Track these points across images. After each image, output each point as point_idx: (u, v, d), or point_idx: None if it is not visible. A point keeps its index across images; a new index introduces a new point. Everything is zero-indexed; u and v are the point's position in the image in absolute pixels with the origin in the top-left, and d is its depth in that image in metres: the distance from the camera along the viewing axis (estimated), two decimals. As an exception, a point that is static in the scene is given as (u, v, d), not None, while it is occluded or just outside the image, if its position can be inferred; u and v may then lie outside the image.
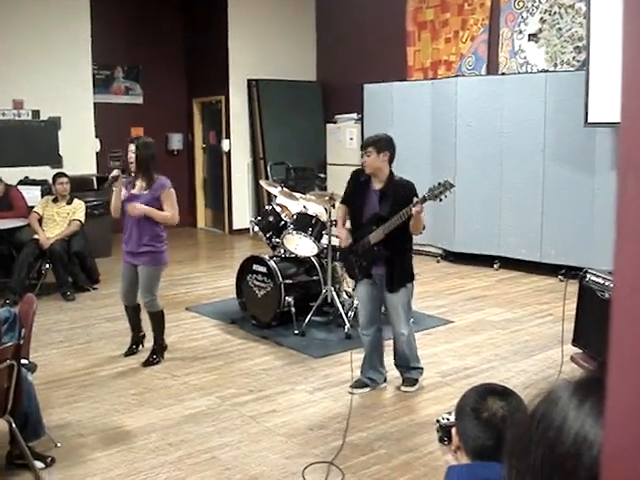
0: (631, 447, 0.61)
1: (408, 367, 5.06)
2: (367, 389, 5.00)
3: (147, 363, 5.61)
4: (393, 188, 4.66)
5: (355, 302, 5.93)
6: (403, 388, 5.02)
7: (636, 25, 0.61)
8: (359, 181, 4.84)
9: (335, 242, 6.29)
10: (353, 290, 5.11)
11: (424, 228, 4.66)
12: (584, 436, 0.80)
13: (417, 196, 4.55)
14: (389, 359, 5.16)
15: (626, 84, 0.61)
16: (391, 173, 4.72)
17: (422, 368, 5.12)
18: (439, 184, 4.48)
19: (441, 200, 4.51)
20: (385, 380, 5.13)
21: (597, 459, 0.76)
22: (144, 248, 5.37)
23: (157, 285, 5.56)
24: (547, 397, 0.88)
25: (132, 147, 5.38)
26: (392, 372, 5.16)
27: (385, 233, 4.60)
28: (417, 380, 5.05)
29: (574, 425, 0.81)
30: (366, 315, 4.95)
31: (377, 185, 4.73)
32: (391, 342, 5.11)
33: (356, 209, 4.83)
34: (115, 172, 5.46)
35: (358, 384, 5.03)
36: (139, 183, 5.43)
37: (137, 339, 5.89)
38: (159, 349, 5.71)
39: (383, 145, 4.67)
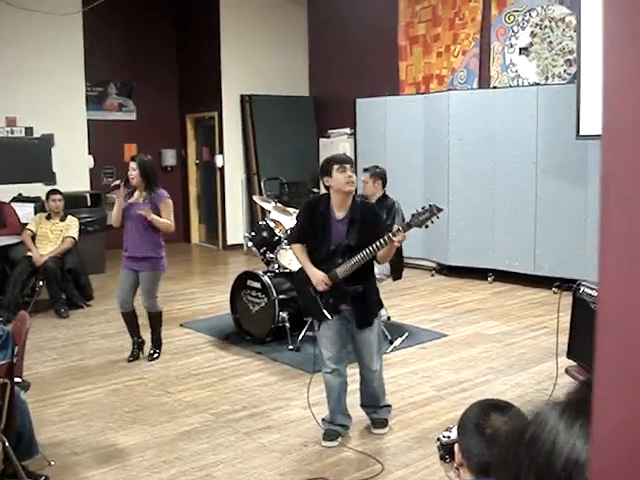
0: (618, 463, 0.61)
1: (377, 406, 4.60)
2: (339, 440, 4.41)
3: (151, 358, 6.05)
4: (360, 214, 4.18)
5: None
6: (376, 431, 4.53)
7: (616, 51, 0.61)
8: (318, 211, 4.25)
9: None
10: (317, 330, 4.44)
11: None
12: (575, 459, 0.78)
13: (380, 217, 4.25)
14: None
15: (606, 107, 0.62)
16: (354, 199, 4.28)
17: (390, 405, 4.68)
18: (423, 209, 4.03)
19: (427, 227, 4.06)
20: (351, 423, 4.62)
21: None
22: (146, 254, 5.77)
23: (157, 288, 5.97)
24: (534, 420, 0.85)
25: (133, 164, 5.77)
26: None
27: (357, 266, 4.12)
28: (387, 420, 4.60)
29: (564, 449, 0.79)
30: (336, 353, 4.38)
31: (340, 213, 4.22)
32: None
33: (317, 242, 4.26)
34: (117, 181, 5.88)
35: (331, 436, 4.41)
36: (138, 194, 5.82)
37: (138, 344, 6.15)
38: (158, 343, 6.16)
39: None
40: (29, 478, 3.78)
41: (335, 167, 4.14)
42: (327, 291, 4.24)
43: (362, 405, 4.66)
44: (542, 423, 0.83)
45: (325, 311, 4.29)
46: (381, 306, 4.48)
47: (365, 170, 6.28)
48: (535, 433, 0.83)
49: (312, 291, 4.32)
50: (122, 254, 5.93)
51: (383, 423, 4.58)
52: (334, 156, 4.34)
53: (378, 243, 4.01)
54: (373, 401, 4.60)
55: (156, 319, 6.10)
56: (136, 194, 5.83)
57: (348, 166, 4.17)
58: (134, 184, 5.77)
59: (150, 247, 5.77)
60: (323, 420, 4.53)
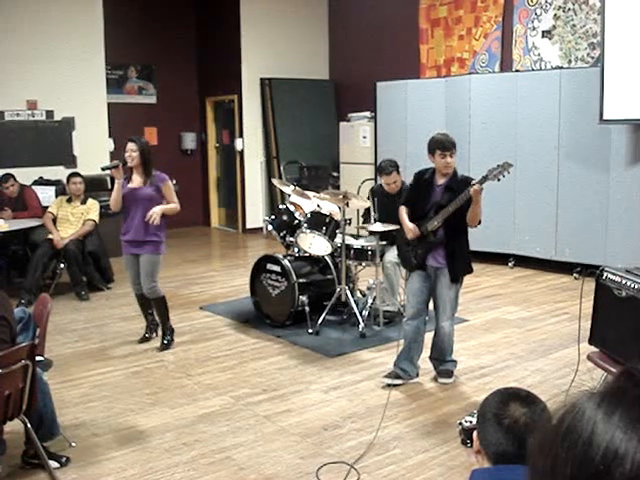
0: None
1: (443, 360, 5.14)
2: (399, 380, 5.01)
3: (163, 347, 5.95)
4: (456, 181, 4.84)
5: (380, 289, 6.28)
6: (441, 380, 5.09)
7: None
8: (423, 179, 4.97)
9: (350, 241, 6.30)
10: (406, 280, 5.20)
11: (480, 223, 4.80)
12: (614, 450, 0.75)
13: (469, 184, 4.69)
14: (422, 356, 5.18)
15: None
16: (455, 170, 4.92)
17: (456, 361, 5.20)
18: (498, 165, 4.63)
19: (499, 180, 4.65)
20: (417, 375, 5.14)
21: (629, 474, 0.72)
22: (150, 237, 5.73)
23: (157, 271, 5.88)
24: (571, 410, 0.82)
25: (132, 145, 5.71)
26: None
27: (444, 218, 4.74)
28: (452, 372, 5.13)
29: (603, 439, 0.76)
30: (415, 306, 5.00)
31: (441, 180, 4.87)
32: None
33: (419, 204, 4.94)
34: (115, 161, 5.82)
35: (391, 375, 5.03)
36: (137, 178, 5.77)
37: (151, 327, 6.19)
38: (167, 331, 6.04)
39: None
40: (50, 459, 3.81)
41: (438, 152, 4.80)
42: (418, 242, 4.91)
43: (430, 357, 5.19)
44: (579, 413, 0.80)
45: (413, 259, 4.97)
46: (470, 270, 5.01)
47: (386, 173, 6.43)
48: (572, 423, 0.80)
49: (406, 244, 5.02)
50: (120, 239, 5.87)
51: (448, 373, 5.12)
52: (440, 140, 4.87)
53: (458, 199, 4.66)
54: (440, 355, 5.13)
55: (160, 305, 5.96)
56: (135, 177, 5.76)
57: (449, 153, 4.78)
58: (132, 165, 5.69)
59: (153, 231, 5.70)
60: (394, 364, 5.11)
